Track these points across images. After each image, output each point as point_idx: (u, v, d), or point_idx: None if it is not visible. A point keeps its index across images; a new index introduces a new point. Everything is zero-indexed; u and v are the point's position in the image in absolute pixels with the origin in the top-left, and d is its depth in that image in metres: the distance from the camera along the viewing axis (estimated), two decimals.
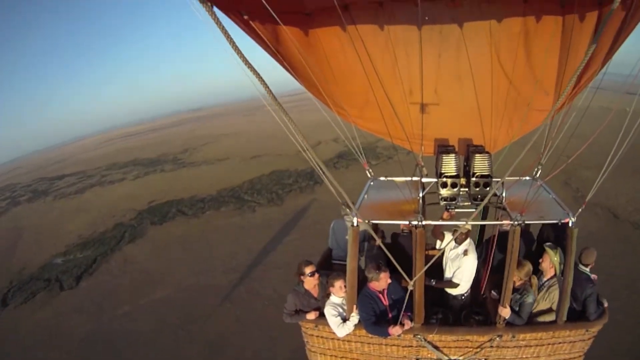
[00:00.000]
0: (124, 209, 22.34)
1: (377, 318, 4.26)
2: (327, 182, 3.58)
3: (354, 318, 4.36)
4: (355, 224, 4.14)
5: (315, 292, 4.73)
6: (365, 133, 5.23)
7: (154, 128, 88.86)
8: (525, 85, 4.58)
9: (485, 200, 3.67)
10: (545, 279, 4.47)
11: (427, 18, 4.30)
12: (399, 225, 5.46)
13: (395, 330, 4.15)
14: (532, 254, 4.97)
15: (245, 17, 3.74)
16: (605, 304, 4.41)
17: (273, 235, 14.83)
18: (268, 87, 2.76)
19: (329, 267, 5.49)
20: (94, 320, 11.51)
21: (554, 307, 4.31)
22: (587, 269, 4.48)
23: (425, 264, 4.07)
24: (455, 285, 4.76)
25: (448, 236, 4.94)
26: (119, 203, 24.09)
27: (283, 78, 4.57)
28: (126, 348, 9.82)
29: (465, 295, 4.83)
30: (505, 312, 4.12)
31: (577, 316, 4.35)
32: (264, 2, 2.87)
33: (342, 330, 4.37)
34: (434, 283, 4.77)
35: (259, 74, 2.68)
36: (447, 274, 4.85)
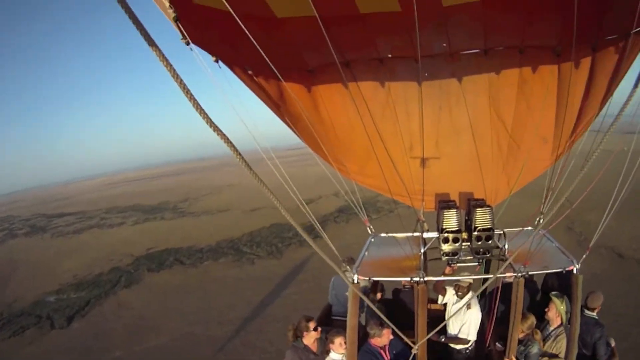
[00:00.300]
0: (122, 254, 22.33)
1: None
2: (315, 246, 3.34)
3: None
4: (356, 281, 4.11)
5: (314, 347, 4.75)
6: (365, 188, 5.23)
7: (157, 175, 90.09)
8: (524, 135, 4.65)
9: (502, 269, 3.66)
10: (552, 328, 4.54)
11: (426, 74, 4.41)
12: (399, 280, 5.48)
13: None
14: (537, 303, 5.02)
15: (250, 72, 3.88)
16: (613, 343, 4.53)
17: (271, 288, 14.82)
18: (230, 142, 2.44)
19: (329, 323, 5.54)
20: None
21: (562, 356, 4.32)
22: (594, 314, 4.58)
23: (428, 320, 4.04)
24: (466, 342, 4.77)
25: (450, 291, 5.02)
26: (116, 247, 24.11)
27: (288, 130, 4.54)
28: None
29: (470, 349, 4.83)
30: None
31: None
32: (267, 59, 2.94)
33: None
34: (443, 339, 4.80)
35: (220, 130, 2.37)
36: (451, 329, 4.86)
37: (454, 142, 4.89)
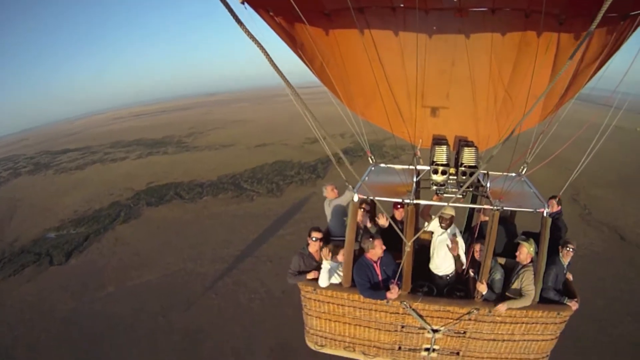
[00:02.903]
0: (122, 188, 22.21)
1: (371, 284, 4.75)
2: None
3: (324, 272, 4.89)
4: (355, 200, 4.71)
5: (317, 256, 5.31)
6: (373, 128, 5.74)
7: (165, 109, 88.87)
8: (519, 93, 5.02)
9: (468, 183, 4.17)
10: (520, 267, 4.77)
11: (435, 28, 4.74)
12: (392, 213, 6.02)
13: (390, 294, 4.60)
14: (513, 245, 5.30)
15: (271, 13, 4.16)
16: (568, 302, 4.62)
17: (268, 226, 14.42)
18: (287, 81, 2.87)
19: (328, 242, 5.82)
20: (77, 299, 11.22)
21: (526, 289, 4.59)
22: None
23: (416, 246, 4.53)
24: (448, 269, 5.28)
25: (435, 221, 5.30)
26: (118, 181, 23.95)
27: (298, 69, 4.87)
28: (104, 333, 9.48)
29: (451, 275, 5.30)
30: (482, 287, 4.56)
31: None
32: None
33: (324, 280, 4.89)
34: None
35: (278, 69, 2.74)
36: (436, 257, 5.30)
37: (455, 92, 5.31)
